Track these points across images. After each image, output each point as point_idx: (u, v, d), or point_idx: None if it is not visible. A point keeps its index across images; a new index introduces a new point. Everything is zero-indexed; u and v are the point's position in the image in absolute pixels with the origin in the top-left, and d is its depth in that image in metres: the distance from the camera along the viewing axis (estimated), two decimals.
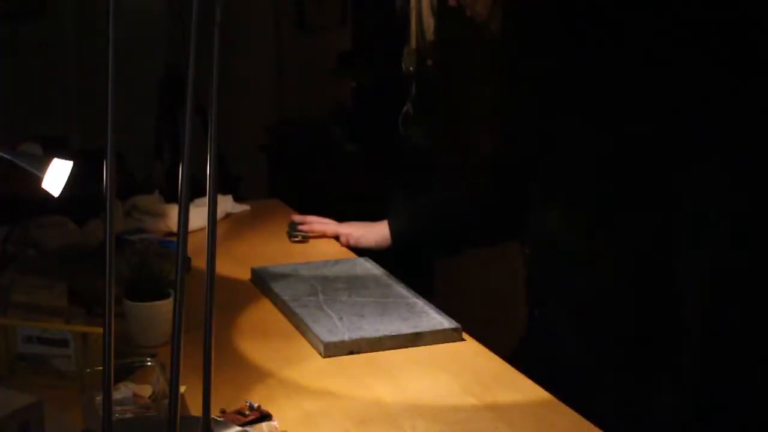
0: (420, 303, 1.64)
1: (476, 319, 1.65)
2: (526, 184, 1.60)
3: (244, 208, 2.38)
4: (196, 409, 1.19)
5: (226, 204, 2.34)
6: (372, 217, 2.04)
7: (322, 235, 2.12)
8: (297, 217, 2.19)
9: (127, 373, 1.31)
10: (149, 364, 1.32)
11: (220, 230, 2.10)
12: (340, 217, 2.14)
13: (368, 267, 1.86)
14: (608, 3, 1.39)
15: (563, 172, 1.49)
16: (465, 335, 1.54)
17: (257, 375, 1.41)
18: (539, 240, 1.58)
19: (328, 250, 2.05)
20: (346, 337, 1.48)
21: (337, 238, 2.10)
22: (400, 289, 1.71)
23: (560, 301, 1.53)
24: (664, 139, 1.37)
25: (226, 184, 3.37)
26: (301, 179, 4.46)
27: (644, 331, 1.42)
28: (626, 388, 1.44)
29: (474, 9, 1.48)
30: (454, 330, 1.53)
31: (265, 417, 1.25)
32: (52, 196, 1.34)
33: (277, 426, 1.23)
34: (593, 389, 1.43)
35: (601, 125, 1.43)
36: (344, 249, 2.05)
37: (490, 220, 1.83)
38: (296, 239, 2.12)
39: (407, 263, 1.94)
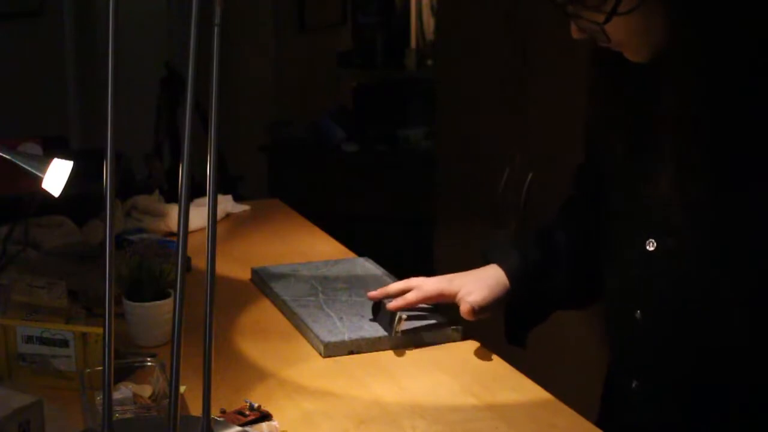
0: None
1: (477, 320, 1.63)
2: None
3: (244, 208, 2.38)
4: (196, 409, 1.19)
5: (226, 204, 2.34)
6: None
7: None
8: (373, 294, 1.56)
9: (127, 373, 1.31)
10: (149, 364, 1.32)
11: (220, 230, 2.10)
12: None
13: (368, 267, 1.85)
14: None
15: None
16: (465, 335, 1.54)
17: (257, 375, 1.41)
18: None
19: (329, 250, 2.05)
20: (346, 337, 1.48)
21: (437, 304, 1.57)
22: None
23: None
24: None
25: (226, 184, 3.37)
26: (301, 179, 4.47)
27: None
28: None
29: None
30: (454, 330, 1.53)
31: (265, 417, 1.25)
32: (52, 196, 1.33)
33: (277, 426, 1.23)
34: None
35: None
36: (345, 249, 2.04)
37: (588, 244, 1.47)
38: (399, 331, 1.50)
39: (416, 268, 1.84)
